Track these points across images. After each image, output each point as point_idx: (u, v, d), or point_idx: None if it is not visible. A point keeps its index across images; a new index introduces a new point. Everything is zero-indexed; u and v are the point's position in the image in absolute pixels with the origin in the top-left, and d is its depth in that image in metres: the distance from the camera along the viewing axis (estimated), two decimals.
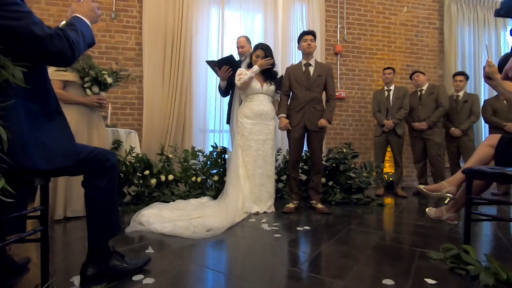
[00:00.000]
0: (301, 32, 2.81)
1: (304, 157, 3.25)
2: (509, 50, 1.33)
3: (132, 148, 2.86)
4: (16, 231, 1.16)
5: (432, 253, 1.48)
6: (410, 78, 3.79)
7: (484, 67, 1.51)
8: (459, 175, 1.61)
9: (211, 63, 3.05)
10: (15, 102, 0.83)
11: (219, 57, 3.91)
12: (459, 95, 3.66)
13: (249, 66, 2.75)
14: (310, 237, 1.87)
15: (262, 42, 3.75)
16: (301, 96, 2.64)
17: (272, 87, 2.75)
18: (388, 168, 4.07)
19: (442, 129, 3.62)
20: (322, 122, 2.60)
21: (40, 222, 1.08)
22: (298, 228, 2.03)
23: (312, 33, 2.70)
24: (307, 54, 2.71)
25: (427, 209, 1.88)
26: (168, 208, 2.38)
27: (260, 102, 2.68)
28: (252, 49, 2.80)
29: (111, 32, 3.72)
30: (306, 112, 2.63)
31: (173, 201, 2.76)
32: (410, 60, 4.63)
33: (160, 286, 1.18)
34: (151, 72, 3.67)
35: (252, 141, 2.64)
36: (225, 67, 2.88)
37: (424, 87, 3.63)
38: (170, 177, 2.97)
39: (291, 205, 2.64)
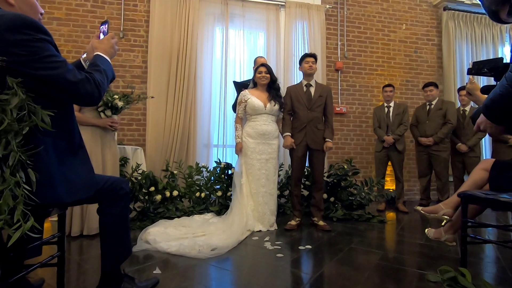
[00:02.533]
0: (303, 54, 2.93)
1: (306, 173, 3.31)
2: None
3: (138, 165, 2.94)
4: (33, 255, 1.23)
5: (430, 275, 1.53)
6: (423, 88, 3.79)
7: (467, 83, 1.58)
8: (455, 198, 1.67)
9: (236, 84, 3.33)
10: (45, 141, 0.92)
11: (223, 74, 4.04)
12: (465, 110, 3.68)
13: (254, 85, 2.86)
14: (312, 257, 1.92)
15: (266, 58, 3.89)
16: (303, 116, 2.71)
17: (276, 107, 2.77)
18: (390, 182, 4.12)
19: (448, 144, 3.63)
20: (329, 145, 2.69)
21: (58, 248, 1.15)
22: (300, 247, 2.08)
23: (314, 56, 2.81)
24: (308, 75, 2.80)
25: (426, 230, 1.93)
26: (173, 225, 2.44)
27: (263, 122, 2.73)
28: (254, 70, 2.88)
29: (119, 51, 3.85)
30: (308, 132, 2.70)
31: (178, 216, 2.83)
32: (410, 76, 4.73)
33: None
34: (157, 89, 3.78)
35: (255, 160, 2.68)
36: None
37: (434, 102, 3.66)
38: (175, 192, 3.04)
39: (293, 222, 2.68)
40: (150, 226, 2.37)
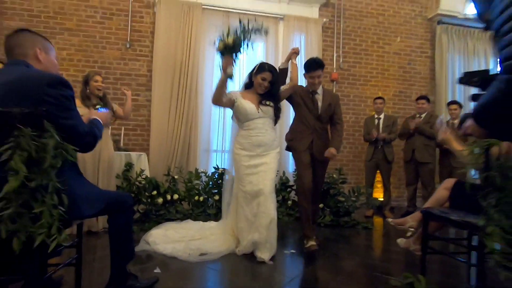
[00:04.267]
0: (309, 60, 2.50)
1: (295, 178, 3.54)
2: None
3: (142, 171, 3.19)
4: (54, 255, 1.48)
5: (393, 280, 1.76)
6: (416, 100, 4.00)
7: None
8: (419, 213, 1.90)
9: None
10: (69, 170, 1.16)
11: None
12: (454, 123, 3.88)
13: (247, 86, 2.43)
14: (294, 261, 2.16)
15: None
16: (311, 123, 2.46)
17: (270, 108, 2.33)
18: (380, 189, 4.33)
19: (434, 155, 3.83)
20: (331, 151, 2.38)
21: (76, 251, 1.40)
22: (285, 252, 2.33)
23: (322, 67, 2.46)
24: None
25: (398, 240, 2.16)
26: (174, 228, 2.66)
27: (259, 130, 2.29)
28: (256, 69, 2.33)
29: (126, 60, 4.09)
30: (315, 140, 2.45)
31: (178, 218, 3.08)
32: (403, 87, 4.92)
33: None
34: (161, 97, 4.01)
35: (251, 175, 2.26)
36: None
37: (423, 115, 3.86)
38: (175, 196, 3.29)
39: (313, 242, 2.30)
40: (154, 227, 2.60)
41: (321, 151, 2.43)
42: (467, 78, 1.49)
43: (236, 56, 2.16)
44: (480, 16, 1.27)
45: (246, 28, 2.14)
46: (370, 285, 1.75)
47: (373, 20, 4.85)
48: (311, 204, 2.44)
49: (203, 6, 4.17)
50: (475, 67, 5.02)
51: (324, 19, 4.59)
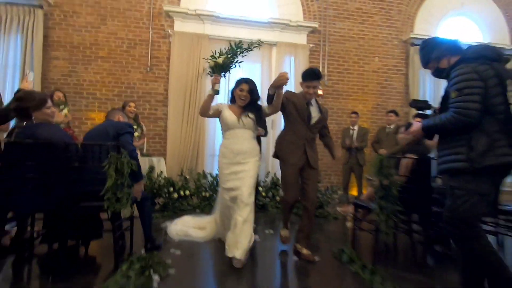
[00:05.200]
0: (307, 71, 2.48)
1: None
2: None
3: (161, 172, 4.11)
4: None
5: (333, 252, 2.58)
6: (386, 113, 4.83)
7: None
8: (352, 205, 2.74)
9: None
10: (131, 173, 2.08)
11: (226, 98, 5.15)
12: (390, 127, 4.66)
13: (231, 101, 2.57)
14: (257, 246, 2.90)
15: (260, 86, 4.98)
16: (303, 133, 2.46)
17: (251, 120, 2.43)
18: (355, 187, 5.15)
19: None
20: (339, 154, 2.68)
21: (130, 222, 2.31)
22: (266, 231, 3.19)
23: (319, 78, 2.45)
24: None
25: (347, 223, 3.01)
26: (190, 217, 3.08)
27: (238, 139, 2.44)
28: (235, 84, 2.52)
29: (146, 81, 5.02)
30: (308, 150, 2.45)
31: (189, 209, 3.96)
32: (381, 100, 5.72)
33: (183, 255, 2.38)
34: (175, 111, 4.93)
35: (230, 181, 2.41)
36: None
37: (392, 126, 4.68)
38: (187, 192, 4.21)
39: (286, 231, 2.63)
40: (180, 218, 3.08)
41: (313, 158, 2.47)
42: (415, 105, 2.30)
43: (224, 74, 2.39)
44: (425, 66, 1.97)
45: (236, 49, 2.38)
46: (325, 251, 2.59)
47: (354, 43, 5.66)
48: (291, 212, 2.61)
49: (210, 37, 5.07)
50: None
51: (311, 44, 5.43)
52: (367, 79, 5.68)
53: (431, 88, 5.74)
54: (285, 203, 2.53)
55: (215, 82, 2.33)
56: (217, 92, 2.34)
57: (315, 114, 2.50)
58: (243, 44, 2.48)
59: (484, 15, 6.16)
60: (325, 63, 5.52)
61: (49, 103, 1.98)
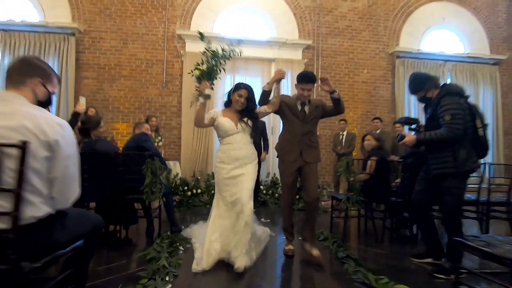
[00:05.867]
0: (304, 75, 2.60)
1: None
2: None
3: (177, 174, 4.87)
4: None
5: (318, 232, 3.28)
6: (372, 120, 5.50)
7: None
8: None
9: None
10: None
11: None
12: (377, 132, 5.32)
13: (226, 105, 2.60)
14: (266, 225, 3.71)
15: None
16: (297, 128, 2.53)
17: (247, 127, 2.48)
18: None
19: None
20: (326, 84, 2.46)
21: (159, 211, 3.05)
22: (262, 219, 3.90)
23: (313, 81, 2.55)
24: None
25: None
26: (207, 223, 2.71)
27: (237, 145, 2.45)
28: (234, 88, 2.56)
29: (162, 96, 5.80)
30: (303, 146, 2.52)
31: (200, 205, 4.70)
32: (369, 107, 6.38)
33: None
34: (187, 122, 5.68)
35: (229, 186, 2.44)
36: None
37: (378, 131, 5.34)
38: (199, 190, 4.96)
39: (291, 247, 2.59)
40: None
41: (309, 154, 2.52)
42: (403, 121, 2.93)
43: (211, 80, 2.44)
44: (413, 93, 2.63)
45: (217, 53, 2.41)
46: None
47: (345, 57, 6.34)
48: (292, 212, 2.68)
49: None
50: None
51: (306, 59, 6.14)
52: (357, 89, 6.35)
53: (414, 97, 6.35)
54: (283, 206, 2.63)
55: (204, 88, 2.38)
56: (208, 97, 2.39)
57: (310, 108, 2.56)
58: (218, 52, 2.51)
59: (464, 28, 6.76)
60: (318, 75, 6.19)
61: (102, 124, 2.75)
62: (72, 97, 5.41)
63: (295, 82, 2.63)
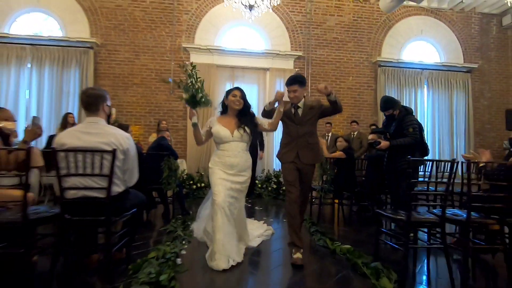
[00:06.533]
0: (290, 77, 2.68)
1: (274, 174, 5.87)
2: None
3: (184, 170, 5.66)
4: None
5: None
6: (350, 123, 6.28)
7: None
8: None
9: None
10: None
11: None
12: (354, 134, 6.14)
13: (223, 112, 2.68)
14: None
15: (256, 104, 6.51)
16: (293, 130, 2.58)
17: (246, 134, 2.51)
18: None
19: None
20: (321, 86, 2.47)
21: (172, 200, 3.84)
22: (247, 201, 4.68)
23: (298, 81, 2.59)
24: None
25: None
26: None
27: (231, 153, 2.49)
28: (226, 93, 2.66)
29: (170, 101, 6.56)
30: (299, 147, 2.55)
31: (204, 197, 5.48)
32: (354, 111, 7.14)
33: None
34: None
35: (224, 187, 2.45)
36: None
37: (355, 133, 6.12)
38: (202, 184, 5.75)
39: (299, 255, 2.41)
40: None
41: (305, 155, 2.54)
42: (378, 130, 3.75)
43: (195, 107, 2.50)
44: (384, 111, 3.49)
45: (190, 76, 2.42)
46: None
47: (332, 66, 7.10)
48: (299, 215, 2.56)
49: (217, 65, 6.60)
50: (406, 96, 7.17)
51: (297, 69, 6.90)
52: (343, 94, 7.10)
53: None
54: (289, 202, 2.53)
55: (191, 116, 2.50)
56: (195, 125, 2.50)
57: (304, 110, 2.60)
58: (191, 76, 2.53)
59: (441, 39, 7.51)
60: (309, 83, 6.97)
61: (130, 129, 3.54)
62: None
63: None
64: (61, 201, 1.82)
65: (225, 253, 2.26)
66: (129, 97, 6.46)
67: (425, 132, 3.45)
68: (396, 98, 3.59)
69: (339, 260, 2.54)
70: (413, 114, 3.42)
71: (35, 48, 6.11)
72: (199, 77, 2.54)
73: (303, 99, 2.64)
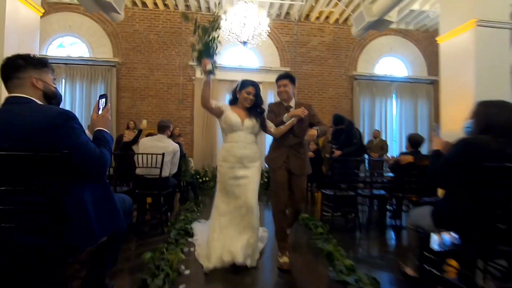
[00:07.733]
0: (281, 73, 2.73)
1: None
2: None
3: (192, 167, 6.98)
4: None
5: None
6: (330, 127, 7.60)
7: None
8: None
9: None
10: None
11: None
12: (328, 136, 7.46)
13: (231, 102, 2.61)
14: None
15: None
16: (285, 140, 2.50)
17: (257, 124, 2.47)
18: None
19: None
20: (311, 132, 2.41)
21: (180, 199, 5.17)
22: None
23: (287, 77, 2.61)
24: (284, 99, 2.63)
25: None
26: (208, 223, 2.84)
27: (241, 144, 2.42)
28: (240, 85, 2.59)
29: (179, 110, 7.88)
30: (290, 156, 2.49)
31: (208, 188, 6.80)
32: None
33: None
34: (198, 129, 7.77)
35: (233, 187, 2.41)
36: None
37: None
38: (207, 178, 7.08)
39: (286, 259, 2.41)
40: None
41: (296, 165, 2.48)
42: (332, 143, 5.09)
43: (212, 56, 2.32)
44: (336, 125, 4.83)
45: (207, 26, 2.28)
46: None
47: (315, 79, 8.41)
48: (285, 219, 2.51)
49: (218, 80, 7.90)
50: (377, 104, 8.49)
51: None
52: (324, 103, 8.42)
53: (369, 109, 8.45)
54: (275, 208, 2.49)
55: (206, 64, 2.28)
56: (211, 72, 2.32)
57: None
58: (207, 25, 2.35)
59: (408, 55, 8.82)
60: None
61: (182, 138, 4.89)
62: (114, 112, 7.48)
63: (276, 97, 2.81)
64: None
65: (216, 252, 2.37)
66: (145, 107, 7.77)
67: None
68: (344, 116, 4.96)
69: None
70: (355, 126, 4.68)
71: (68, 67, 7.41)
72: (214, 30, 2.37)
73: (293, 99, 2.65)
